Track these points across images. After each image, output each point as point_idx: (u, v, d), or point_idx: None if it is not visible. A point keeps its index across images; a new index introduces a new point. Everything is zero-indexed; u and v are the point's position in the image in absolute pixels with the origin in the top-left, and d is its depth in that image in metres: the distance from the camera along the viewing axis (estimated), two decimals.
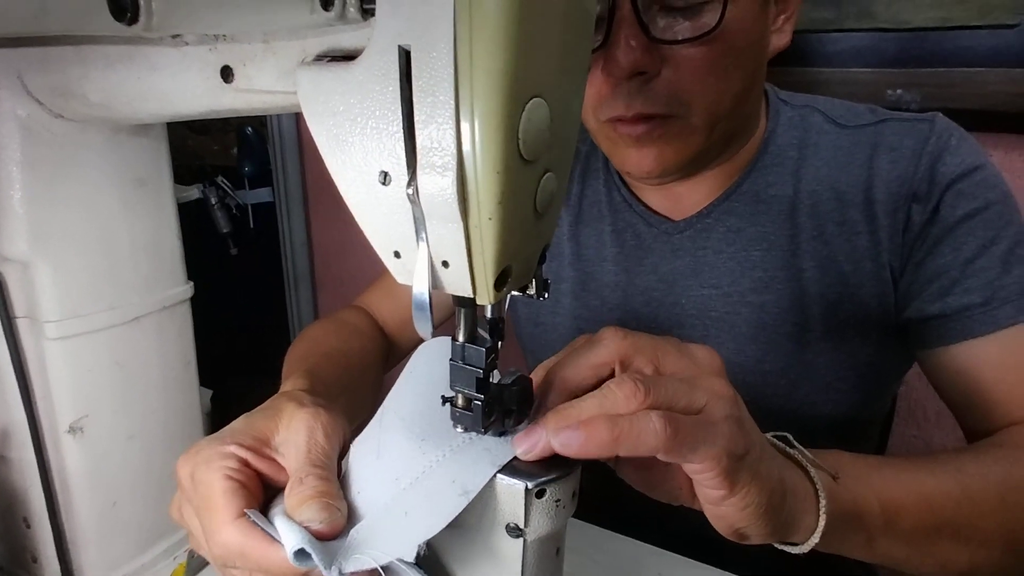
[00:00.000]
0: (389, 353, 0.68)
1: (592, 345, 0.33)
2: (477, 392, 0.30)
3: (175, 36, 0.33)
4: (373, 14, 0.25)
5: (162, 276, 0.50)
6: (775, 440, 0.36)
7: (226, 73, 0.32)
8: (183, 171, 1.82)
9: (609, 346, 0.32)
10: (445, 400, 0.32)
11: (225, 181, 1.69)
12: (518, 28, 0.24)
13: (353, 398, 0.51)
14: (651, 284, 0.61)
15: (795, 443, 0.37)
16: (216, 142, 1.75)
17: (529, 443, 0.30)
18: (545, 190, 0.29)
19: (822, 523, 0.35)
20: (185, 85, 0.35)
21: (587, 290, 0.65)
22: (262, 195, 1.68)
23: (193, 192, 0.59)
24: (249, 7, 0.29)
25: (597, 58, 0.49)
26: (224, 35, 0.32)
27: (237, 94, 0.33)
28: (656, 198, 0.61)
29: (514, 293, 0.32)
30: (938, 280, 0.52)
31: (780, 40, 0.54)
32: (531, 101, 0.26)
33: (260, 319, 1.82)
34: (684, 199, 0.60)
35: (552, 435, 0.29)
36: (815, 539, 0.35)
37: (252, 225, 1.71)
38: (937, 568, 0.41)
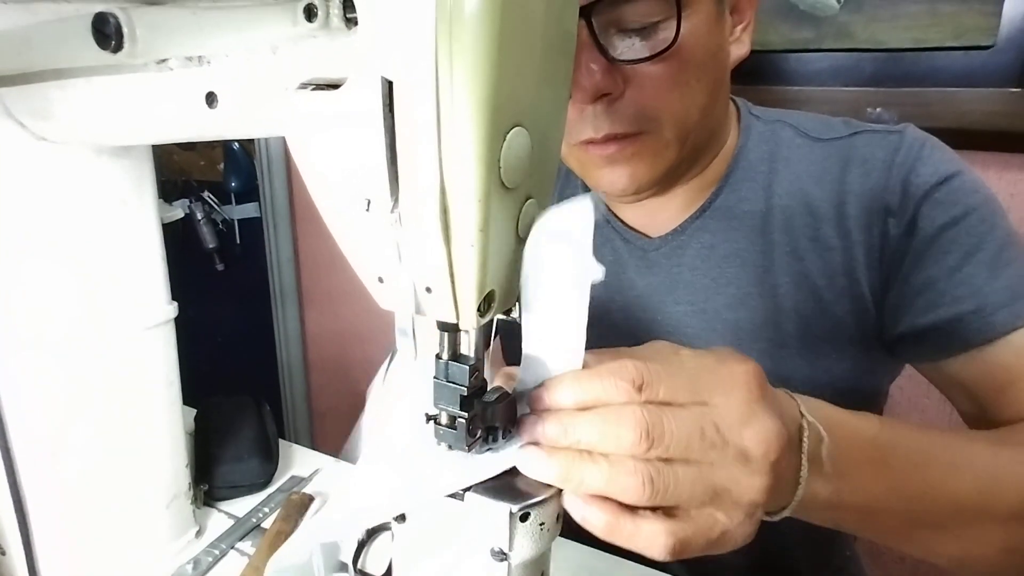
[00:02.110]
0: None
1: (612, 471, 0.30)
2: (461, 410, 0.31)
3: (160, 62, 0.33)
4: (356, 23, 0.26)
5: (145, 296, 0.49)
6: (801, 417, 0.34)
7: (210, 99, 0.33)
8: (169, 187, 1.81)
9: (634, 492, 0.29)
10: (429, 418, 0.32)
11: (211, 196, 1.69)
12: (498, 59, 0.24)
13: None
14: (629, 300, 0.61)
15: (823, 437, 0.34)
16: (202, 158, 1.74)
17: (533, 468, 0.30)
18: (527, 216, 0.29)
19: (789, 512, 0.34)
20: (169, 111, 0.35)
21: None
22: (248, 210, 1.67)
23: (178, 212, 0.59)
24: (232, 24, 0.29)
25: None
26: (208, 59, 0.32)
27: (221, 119, 0.33)
28: (632, 214, 0.62)
29: (498, 316, 0.32)
30: (926, 292, 0.52)
31: (740, 50, 0.54)
32: (512, 130, 0.26)
33: (246, 336, 1.80)
34: (659, 215, 0.60)
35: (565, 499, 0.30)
36: (785, 514, 0.34)
37: (238, 241, 1.70)
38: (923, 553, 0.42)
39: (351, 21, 0.26)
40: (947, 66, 0.97)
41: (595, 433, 0.29)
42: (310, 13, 0.26)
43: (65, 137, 0.42)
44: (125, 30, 0.31)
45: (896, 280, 0.54)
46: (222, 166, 1.67)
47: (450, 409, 0.31)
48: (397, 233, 0.27)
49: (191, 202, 1.63)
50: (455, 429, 0.31)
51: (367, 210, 0.28)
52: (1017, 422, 0.50)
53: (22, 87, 0.39)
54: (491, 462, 0.32)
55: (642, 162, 0.52)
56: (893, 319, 0.55)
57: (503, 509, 0.30)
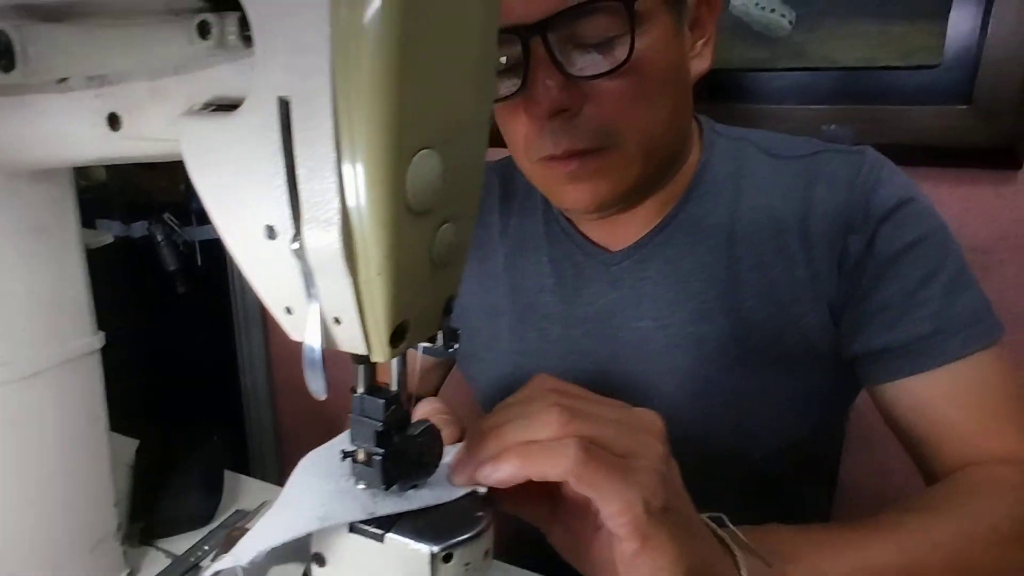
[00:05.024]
0: None
1: (530, 422, 0.32)
2: (377, 446, 0.29)
3: (60, 81, 0.32)
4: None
5: (64, 328, 0.47)
6: (707, 520, 0.36)
7: (113, 121, 0.31)
8: (131, 208, 1.76)
9: (551, 426, 0.31)
10: (345, 455, 0.30)
11: (172, 218, 1.65)
12: (399, 78, 0.23)
13: None
14: (589, 315, 0.60)
15: (728, 523, 0.36)
16: (163, 178, 1.70)
17: (462, 474, 0.32)
18: (442, 242, 0.28)
19: None
20: (73, 133, 0.33)
21: (525, 322, 0.64)
22: (210, 231, 1.63)
23: (107, 237, 0.56)
24: (128, 43, 0.27)
25: (518, 102, 0.49)
26: (108, 79, 0.30)
27: (125, 142, 0.31)
28: (594, 229, 0.61)
29: (423, 345, 0.31)
30: (883, 313, 0.52)
31: (701, 65, 0.54)
32: (420, 152, 0.25)
33: (209, 360, 1.76)
34: (620, 229, 0.60)
35: (476, 469, 0.31)
36: None
37: (199, 263, 1.66)
38: None
39: (248, 39, 0.25)
40: (898, 84, 0.99)
41: (517, 414, 0.32)
42: (203, 30, 0.25)
43: None
44: (17, 48, 0.29)
45: (854, 298, 0.54)
46: (184, 186, 1.63)
47: (366, 446, 0.29)
48: (301, 262, 0.26)
49: (151, 224, 1.59)
50: (371, 467, 0.29)
51: (270, 238, 0.26)
52: (959, 463, 0.50)
53: None
54: (415, 498, 0.30)
55: (605, 178, 0.51)
56: (849, 338, 0.55)
57: (424, 550, 0.28)
